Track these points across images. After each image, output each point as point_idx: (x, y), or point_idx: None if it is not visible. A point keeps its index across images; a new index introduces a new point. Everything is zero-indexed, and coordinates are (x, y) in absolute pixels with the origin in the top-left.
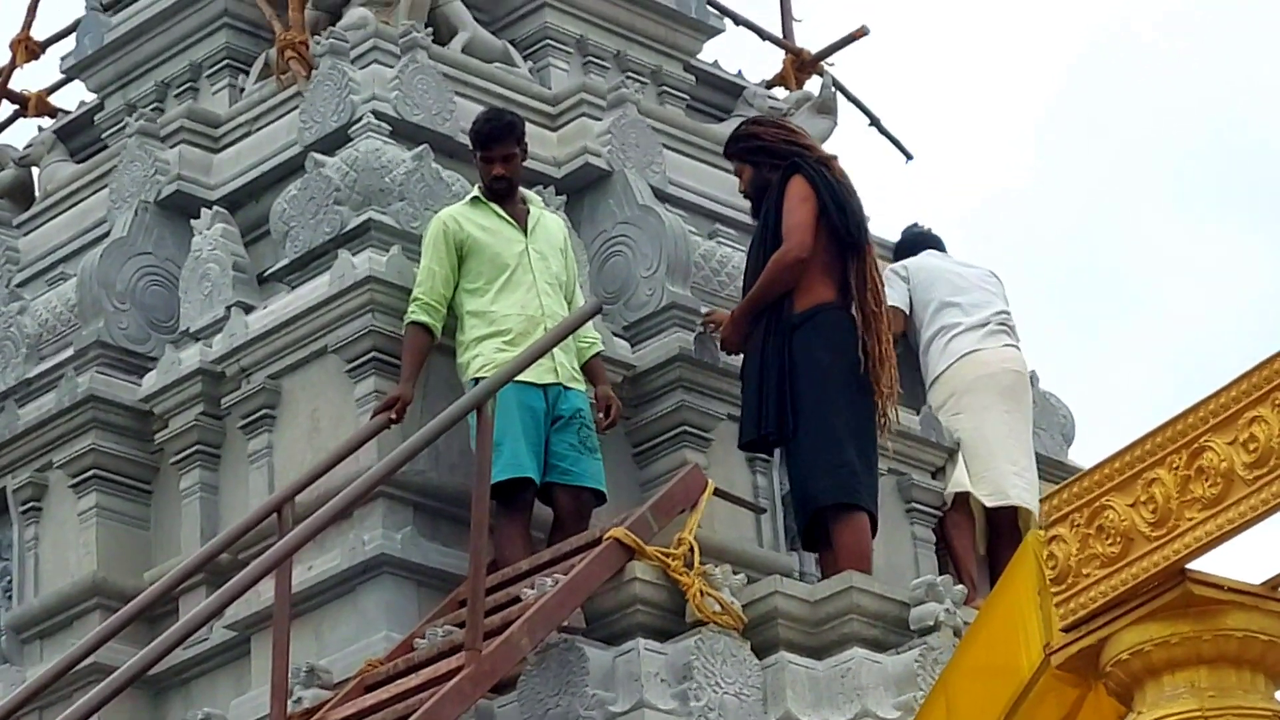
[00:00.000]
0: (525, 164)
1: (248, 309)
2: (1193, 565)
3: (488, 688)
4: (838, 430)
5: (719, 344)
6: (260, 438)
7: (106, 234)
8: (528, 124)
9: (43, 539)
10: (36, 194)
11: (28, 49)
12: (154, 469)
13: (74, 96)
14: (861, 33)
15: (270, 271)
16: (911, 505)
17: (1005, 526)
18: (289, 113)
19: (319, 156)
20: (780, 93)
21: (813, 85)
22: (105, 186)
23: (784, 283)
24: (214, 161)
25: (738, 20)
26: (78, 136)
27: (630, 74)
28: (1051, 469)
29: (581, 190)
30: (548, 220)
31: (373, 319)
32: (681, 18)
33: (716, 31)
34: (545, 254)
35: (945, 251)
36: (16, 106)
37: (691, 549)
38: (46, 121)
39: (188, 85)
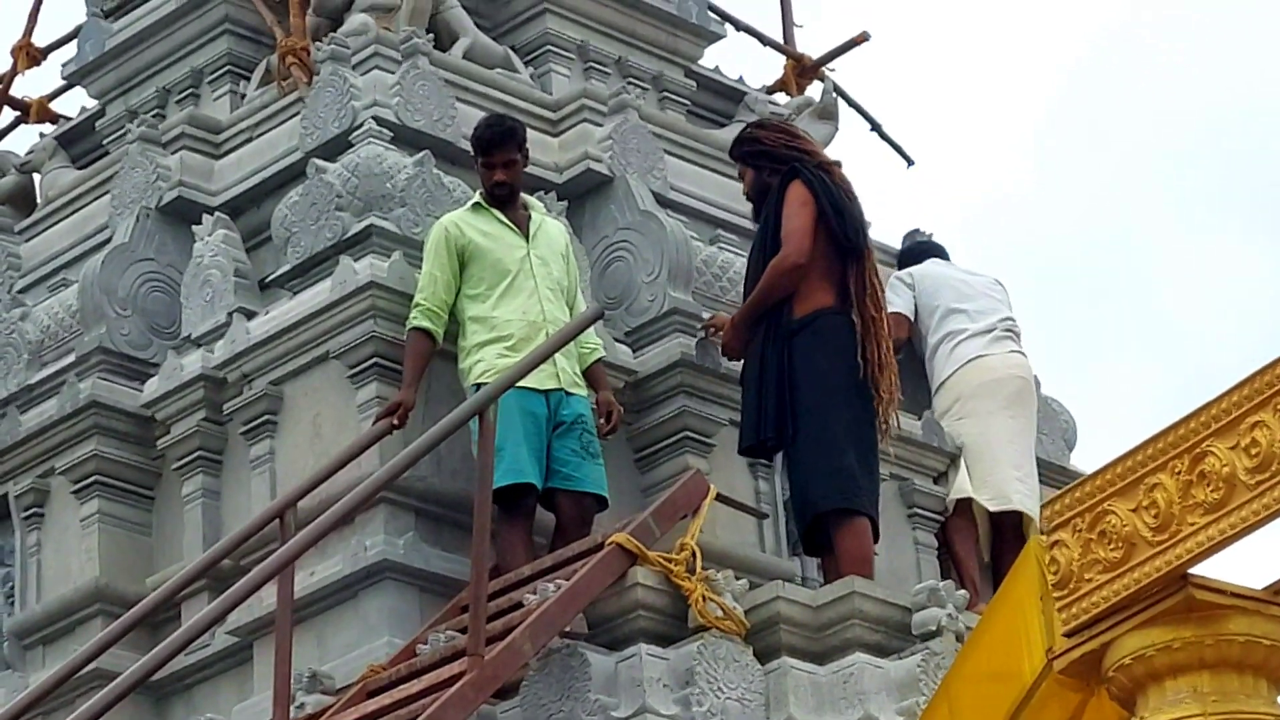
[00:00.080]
0: (526, 170)
1: (249, 315)
2: (1195, 570)
3: (490, 693)
4: (837, 435)
5: (720, 349)
6: (262, 443)
7: (108, 240)
8: (529, 130)
9: (45, 545)
10: (38, 200)
11: (29, 55)
12: (156, 475)
13: (75, 103)
14: (862, 38)
15: (272, 277)
16: (913, 510)
17: (1008, 532)
18: (290, 119)
19: (320, 162)
20: (781, 98)
21: (814, 91)
22: (107, 193)
23: (782, 288)
24: (215, 167)
25: (739, 26)
26: (79, 143)
27: (631, 79)
28: (1053, 474)
29: (583, 196)
30: (549, 226)
31: (374, 325)
32: (682, 23)
33: (718, 37)
34: (547, 259)
35: (949, 260)
36: (18, 113)
37: (694, 554)
38: (48, 128)
39: (189, 91)
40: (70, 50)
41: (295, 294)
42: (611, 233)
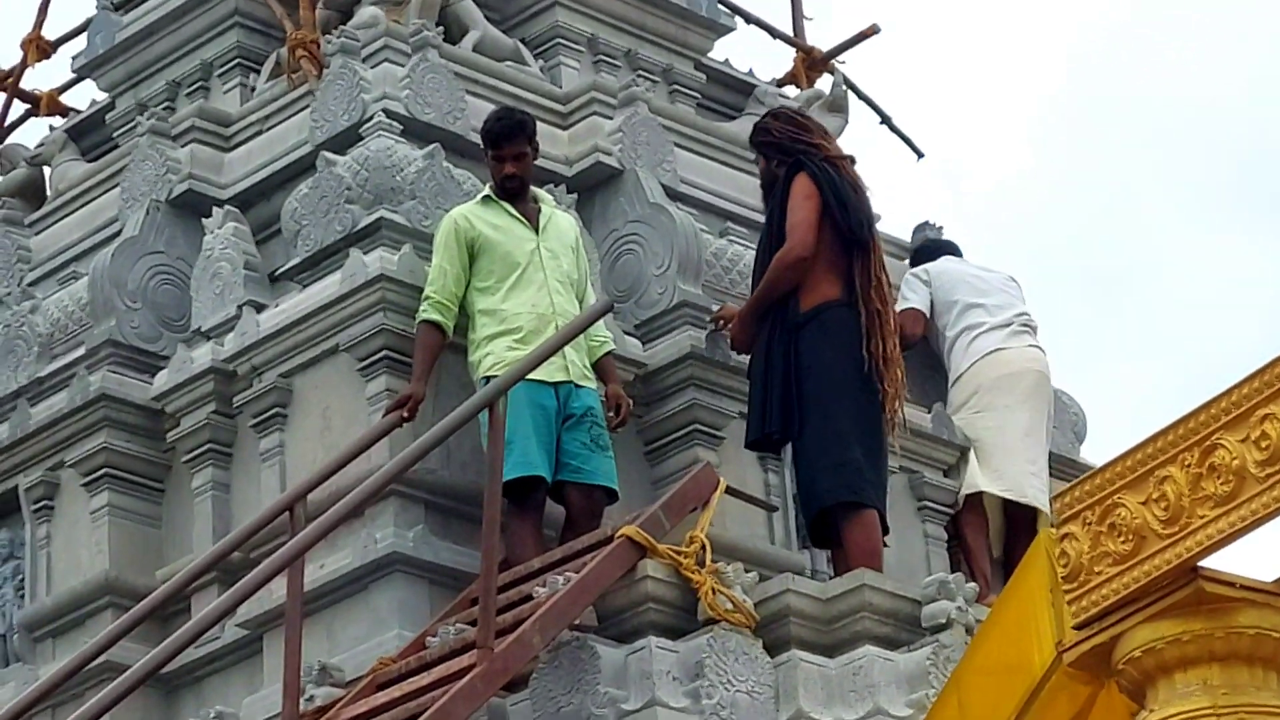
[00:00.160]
0: (536, 162)
1: (259, 308)
2: (1205, 563)
3: (499, 686)
4: (843, 428)
5: (729, 342)
6: (272, 436)
7: (118, 233)
8: (539, 122)
9: (55, 538)
10: (48, 193)
11: (39, 48)
12: (166, 468)
13: (85, 96)
14: (872, 31)
15: (282, 270)
16: (923, 503)
17: (1021, 527)
18: (300, 112)
19: (330, 155)
20: (791, 91)
21: (824, 83)
22: (116, 185)
23: (787, 281)
24: (225, 160)
25: (749, 19)
26: (89, 136)
27: (641, 72)
28: (1063, 467)
29: (592, 189)
30: (559, 218)
31: (384, 317)
32: (692, 16)
33: (727, 30)
34: (556, 252)
35: (962, 257)
36: (28, 106)
37: (703, 547)
38: (58, 121)
39: (199, 84)
40: (80, 43)
41: (305, 287)
42: (621, 225)
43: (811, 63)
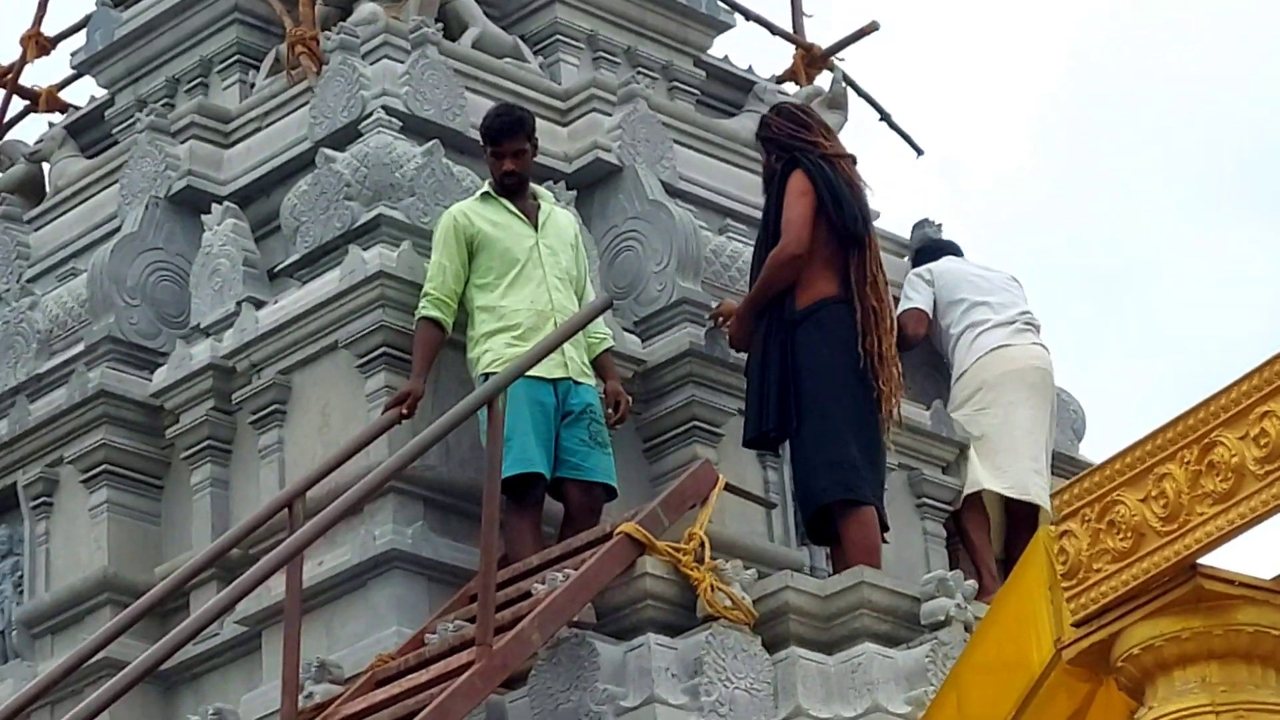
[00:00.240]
0: (536, 159)
1: (258, 304)
2: (1204, 560)
3: (498, 683)
4: (839, 426)
5: (728, 339)
6: (271, 433)
7: (117, 229)
8: (538, 119)
9: (54, 534)
10: (47, 189)
11: (38, 44)
12: (165, 464)
13: (84, 92)
14: (871, 28)
15: (281, 267)
16: (922, 500)
17: (1023, 524)
18: (299, 108)
19: (329, 152)
20: (791, 88)
21: (823, 80)
22: (116, 182)
23: (782, 279)
24: (224, 157)
25: (748, 15)
26: (88, 132)
27: (640, 69)
28: (1062, 464)
29: (592, 185)
30: (558, 215)
31: (383, 314)
32: (692, 13)
33: (727, 27)
34: (555, 249)
35: (963, 257)
36: (27, 102)
37: (702, 544)
38: (57, 117)
39: (198, 81)
40: (79, 39)
41: (304, 283)
42: (620, 222)
43: (811, 59)
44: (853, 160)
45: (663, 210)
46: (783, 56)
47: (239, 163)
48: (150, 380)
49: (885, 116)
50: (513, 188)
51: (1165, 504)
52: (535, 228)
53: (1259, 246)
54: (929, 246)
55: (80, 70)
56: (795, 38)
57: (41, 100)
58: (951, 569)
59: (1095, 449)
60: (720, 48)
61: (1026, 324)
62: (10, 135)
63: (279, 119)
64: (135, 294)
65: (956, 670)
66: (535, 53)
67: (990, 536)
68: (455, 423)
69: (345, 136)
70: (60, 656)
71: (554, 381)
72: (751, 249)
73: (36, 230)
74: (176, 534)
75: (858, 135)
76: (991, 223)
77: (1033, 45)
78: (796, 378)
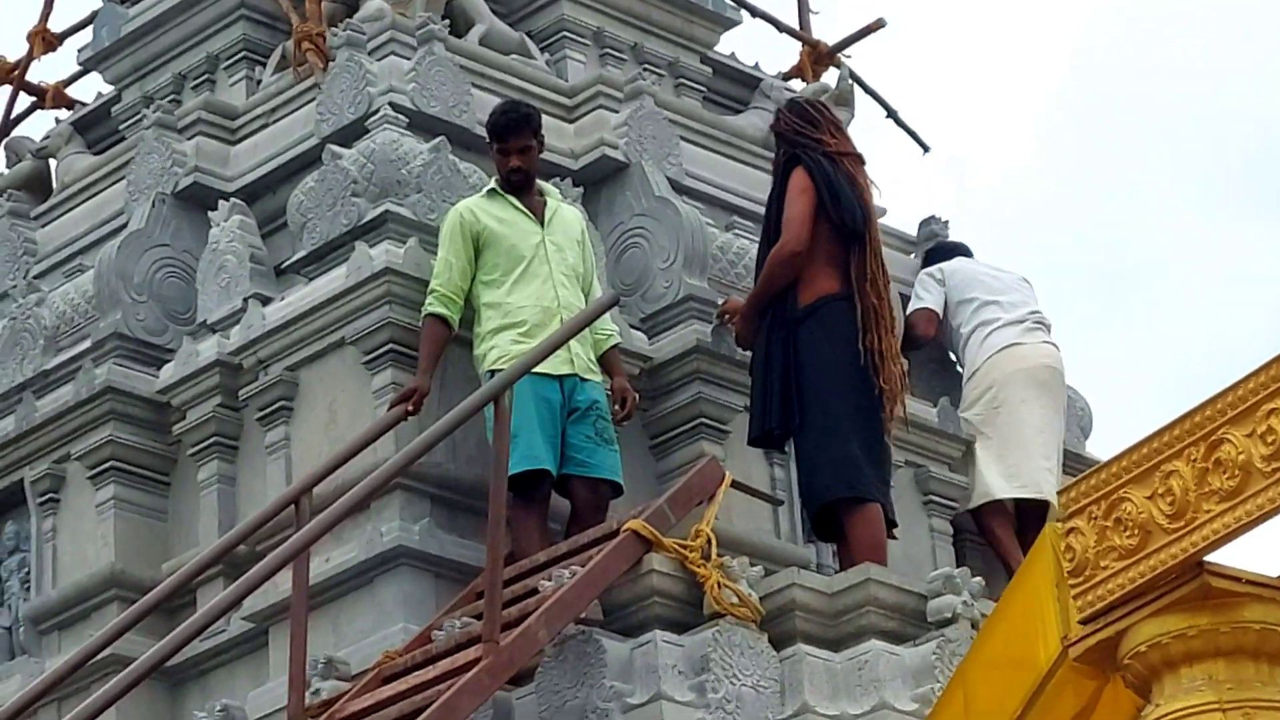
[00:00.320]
0: (542, 156)
1: (265, 301)
2: (1211, 557)
3: (505, 679)
4: (841, 423)
5: (734, 337)
6: (278, 429)
7: (124, 226)
8: (545, 116)
9: (61, 530)
10: (54, 186)
11: (45, 41)
12: (172, 460)
13: (91, 88)
14: (878, 25)
15: (287, 263)
16: (929, 497)
17: (1032, 520)
18: (306, 105)
19: (336, 148)
20: (797, 85)
21: (830, 77)
22: (122, 178)
23: (783, 277)
24: (231, 153)
25: (755, 12)
26: (95, 128)
27: (647, 66)
28: (1069, 461)
29: (598, 182)
30: (565, 212)
31: (390, 311)
32: (698, 10)
33: (733, 23)
34: (562, 245)
35: (973, 257)
36: (34, 98)
37: (709, 541)
38: (64, 113)
39: (205, 77)
40: (86, 35)
41: (311, 280)
42: (627, 219)
43: (818, 56)
44: (859, 159)
45: (669, 207)
46: (789, 53)
47: (246, 159)
48: (157, 377)
49: (892, 113)
50: (519, 184)
51: (1172, 501)
52: (542, 224)
53: (1265, 244)
54: (941, 247)
55: (87, 66)
56: (802, 34)
57: (48, 96)
58: (959, 566)
59: (1102, 446)
60: (727, 44)
61: (1037, 323)
62: (17, 131)
63: (285, 115)
64: (142, 290)
65: (963, 667)
66: (542, 49)
67: (1014, 533)
68: (462, 419)
69: (352, 133)
70: (67, 653)
71: (560, 378)
72: (758, 246)
73: (43, 226)
74: (183, 530)
75: (864, 132)
76: (997, 220)
77: (1038, 43)
78: (798, 375)
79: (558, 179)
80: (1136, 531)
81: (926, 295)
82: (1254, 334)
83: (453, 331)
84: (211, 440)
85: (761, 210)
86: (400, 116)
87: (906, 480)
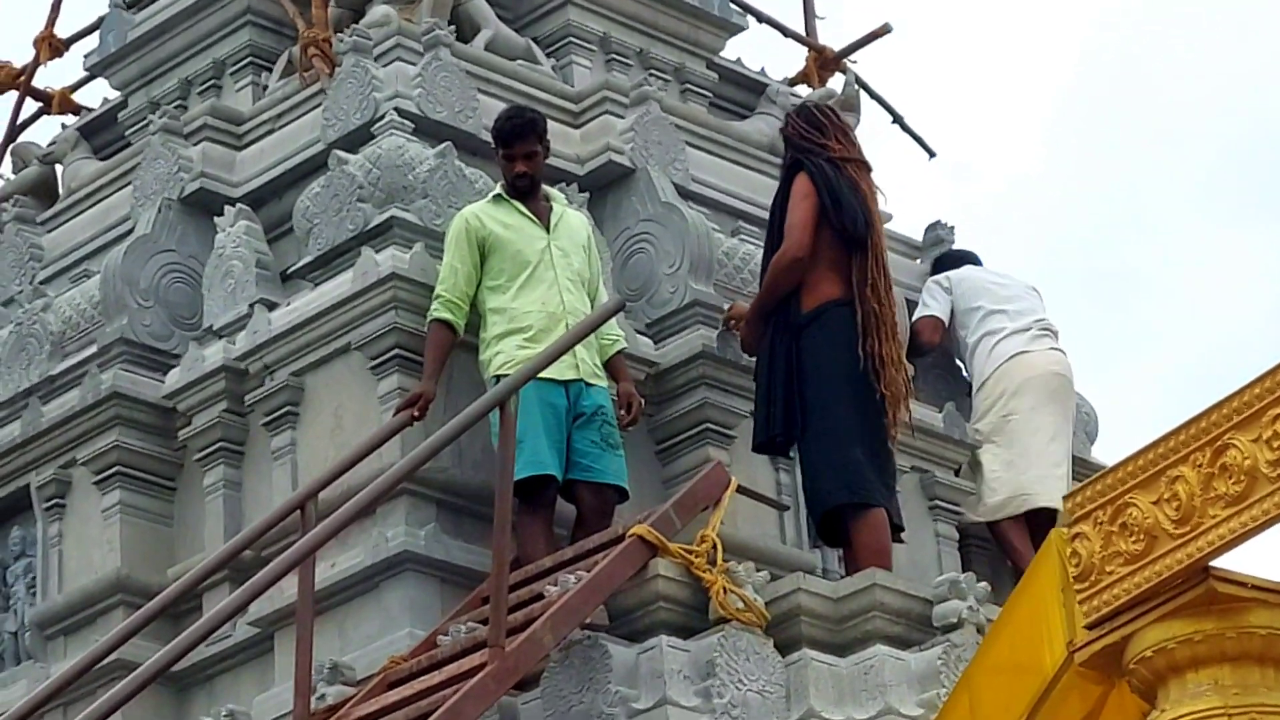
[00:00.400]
0: (548, 161)
1: (271, 306)
2: (1216, 563)
3: (511, 685)
4: (844, 429)
5: (739, 342)
6: (283, 435)
7: (130, 231)
8: (550, 121)
9: (66, 536)
10: (60, 191)
11: (51, 46)
12: (177, 466)
13: (97, 94)
14: (884, 30)
15: (293, 269)
16: (934, 502)
17: (1041, 525)
18: (312, 110)
19: (342, 154)
20: (803, 90)
21: (836, 82)
22: (129, 184)
23: (785, 283)
24: (237, 159)
25: (761, 18)
26: (101, 134)
27: (653, 71)
28: (1075, 466)
29: (604, 188)
30: (570, 217)
31: (396, 316)
32: (704, 15)
33: (739, 29)
34: (567, 250)
35: (982, 266)
36: (40, 104)
37: (714, 546)
38: (70, 119)
39: (211, 83)
40: (92, 41)
41: (317, 285)
42: (633, 224)
43: (823, 62)
44: (863, 164)
45: (675, 212)
46: (795, 59)
47: (252, 165)
48: (163, 382)
49: (898, 119)
50: (525, 190)
51: (1178, 507)
52: (547, 229)
53: (1271, 247)
54: (949, 255)
55: (93, 72)
56: (808, 40)
57: (55, 102)
58: (964, 571)
59: (1107, 451)
60: (733, 50)
61: (1043, 329)
62: (23, 137)
63: (292, 121)
64: (148, 296)
65: (969, 672)
66: (548, 55)
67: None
68: (467, 425)
69: (358, 138)
70: (73, 658)
71: (565, 383)
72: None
73: (49, 232)
74: (189, 535)
75: (870, 138)
76: (1002, 226)
77: (1043, 48)
78: (801, 382)
79: (563, 184)
80: (1142, 537)
81: (933, 303)
82: (1260, 337)
83: (458, 337)
84: (217, 445)
85: (767, 215)
86: (406, 122)
87: (912, 485)
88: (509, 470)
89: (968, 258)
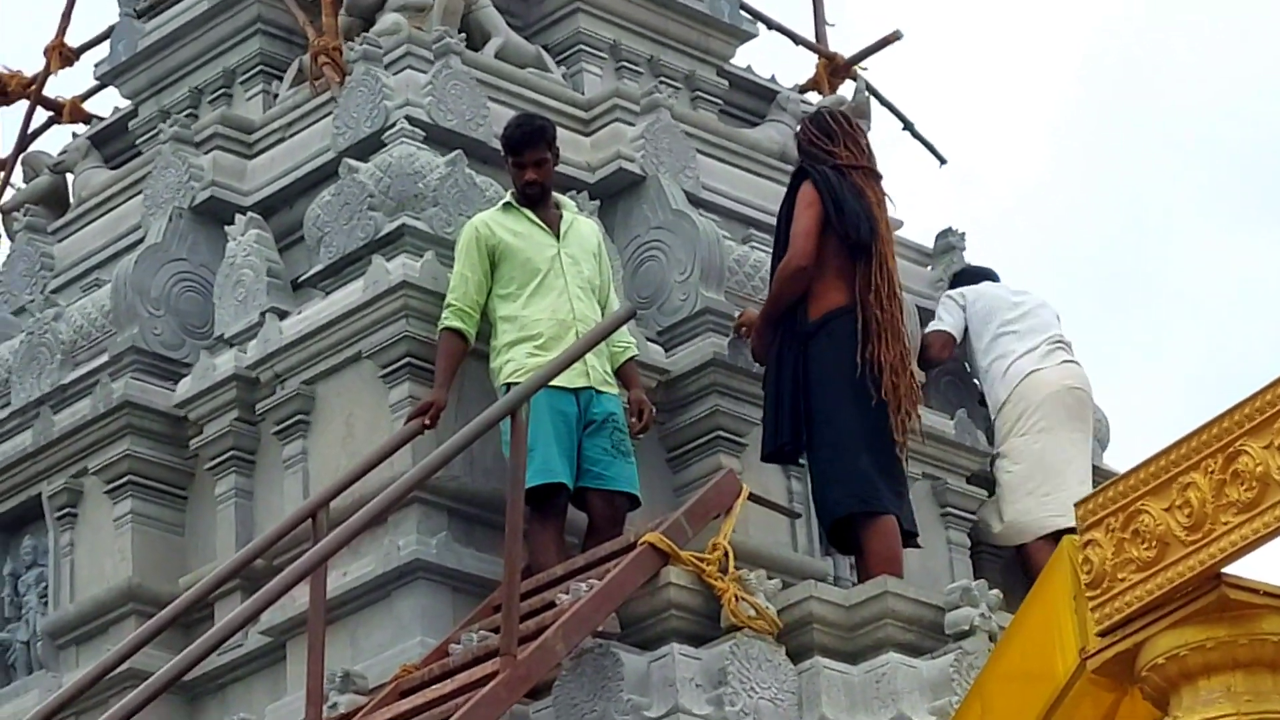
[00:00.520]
0: (559, 169)
1: (282, 315)
2: (1228, 570)
3: (523, 693)
4: (850, 437)
5: (750, 351)
6: (295, 443)
7: (141, 240)
8: (561, 129)
9: (78, 545)
10: (71, 200)
11: (62, 55)
12: (189, 475)
13: (108, 103)
14: (895, 37)
15: (304, 277)
16: (946, 509)
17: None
18: (323, 118)
19: (353, 162)
20: (814, 97)
21: (846, 90)
22: (139, 193)
23: (790, 292)
24: (248, 167)
25: (771, 25)
26: (112, 143)
27: (663, 79)
28: None
29: (615, 195)
30: (580, 224)
31: (407, 324)
32: (715, 22)
33: (750, 36)
34: (577, 258)
35: (999, 282)
36: (51, 113)
37: (726, 554)
38: (81, 128)
39: (221, 91)
40: (103, 50)
41: (328, 294)
42: (644, 232)
43: (834, 69)
44: (872, 173)
45: (686, 220)
46: (806, 66)
47: (262, 173)
48: (174, 391)
49: (908, 126)
50: (535, 197)
51: (1190, 513)
52: (557, 237)
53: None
54: (967, 271)
55: (104, 81)
56: (818, 47)
57: (65, 111)
58: (976, 578)
59: (1119, 458)
60: (743, 57)
61: (1054, 344)
62: (34, 146)
63: (302, 129)
64: (159, 305)
65: (981, 680)
66: (558, 63)
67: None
68: (479, 433)
69: (368, 147)
70: (85, 667)
71: (576, 391)
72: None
73: (60, 241)
74: (201, 544)
75: (880, 145)
76: (1011, 232)
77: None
78: (808, 390)
79: (574, 192)
80: (1154, 543)
81: (947, 317)
82: (1271, 342)
83: (469, 345)
84: (229, 454)
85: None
86: (417, 130)
87: (924, 493)
88: (520, 478)
89: (986, 274)
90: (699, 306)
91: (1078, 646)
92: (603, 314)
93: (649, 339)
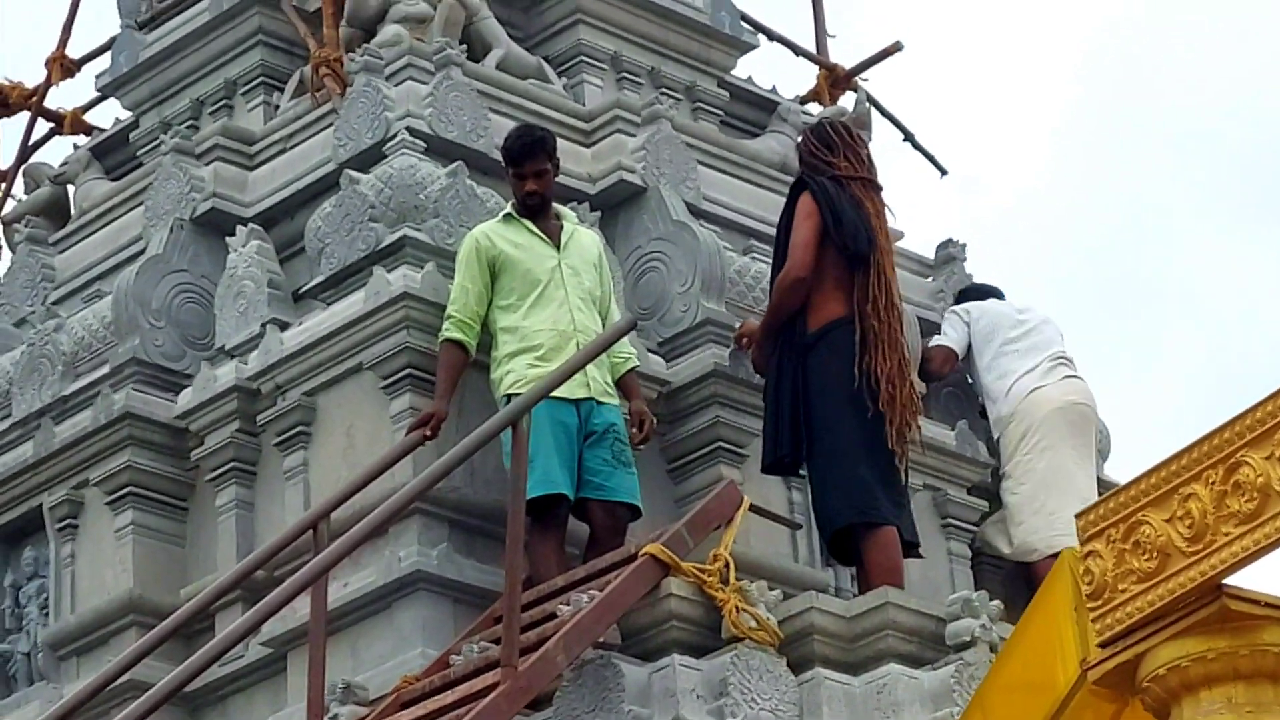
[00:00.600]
0: (560, 180)
1: (283, 326)
2: (1229, 581)
3: (524, 704)
4: (850, 448)
5: (751, 362)
6: (296, 454)
7: (142, 251)
8: (562, 140)
9: (79, 556)
10: (72, 212)
11: (63, 67)
12: (190, 486)
13: (109, 114)
14: (895, 48)
15: (305, 288)
16: (947, 520)
17: None
18: (324, 130)
19: (354, 173)
20: (815, 108)
21: (847, 101)
22: (140, 204)
23: (789, 303)
24: (249, 179)
25: (771, 36)
26: (113, 154)
27: (664, 90)
28: None
29: (616, 206)
30: (581, 235)
31: (408, 335)
32: (715, 34)
33: (750, 47)
34: (578, 269)
35: (1004, 299)
36: (52, 124)
37: (727, 565)
38: (82, 139)
39: (223, 103)
40: (104, 62)
41: (329, 305)
42: (644, 243)
43: (835, 80)
44: (871, 184)
45: (687, 231)
46: (807, 77)
47: (264, 184)
48: (175, 402)
49: (909, 136)
50: (535, 208)
51: (1191, 524)
52: (558, 248)
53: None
54: (973, 288)
55: (105, 93)
56: (819, 58)
57: (66, 123)
58: (977, 589)
59: (1119, 467)
60: (744, 68)
61: (1056, 359)
62: (35, 158)
63: (303, 141)
64: (160, 316)
65: (982, 691)
66: (559, 74)
67: None
68: (479, 444)
69: (370, 158)
70: (86, 679)
71: (576, 402)
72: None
73: (61, 253)
74: (201, 556)
75: (881, 155)
76: (1011, 238)
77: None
78: (808, 401)
79: (575, 203)
80: (1155, 554)
81: (950, 333)
82: (1272, 343)
83: (470, 356)
84: (230, 465)
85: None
86: (418, 141)
87: (924, 503)
88: (521, 489)
89: (992, 292)
90: (700, 318)
91: (1079, 657)
92: (604, 325)
93: (650, 350)
